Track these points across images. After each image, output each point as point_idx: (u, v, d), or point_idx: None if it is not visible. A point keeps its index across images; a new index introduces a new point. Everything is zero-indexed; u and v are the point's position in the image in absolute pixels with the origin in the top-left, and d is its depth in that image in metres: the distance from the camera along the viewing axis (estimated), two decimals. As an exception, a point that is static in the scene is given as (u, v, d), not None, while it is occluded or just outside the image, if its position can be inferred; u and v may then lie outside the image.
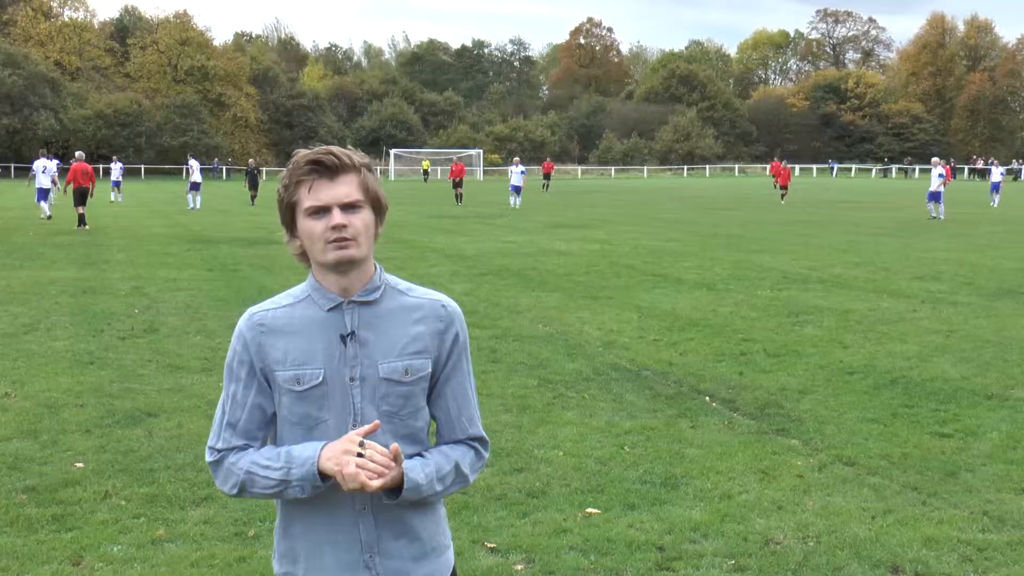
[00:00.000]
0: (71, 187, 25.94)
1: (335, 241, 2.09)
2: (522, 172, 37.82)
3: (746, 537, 5.02)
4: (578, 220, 30.10)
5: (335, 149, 2.12)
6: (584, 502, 5.53)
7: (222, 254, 19.18)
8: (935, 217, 30.22)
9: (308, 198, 2.10)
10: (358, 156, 2.15)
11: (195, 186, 35.99)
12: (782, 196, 43.17)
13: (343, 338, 2.15)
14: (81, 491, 5.63)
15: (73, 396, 7.77)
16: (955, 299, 13.31)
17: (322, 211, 2.09)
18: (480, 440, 2.31)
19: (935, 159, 32.61)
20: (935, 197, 30.81)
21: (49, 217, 28.09)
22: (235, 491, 2.18)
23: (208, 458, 2.22)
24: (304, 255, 2.18)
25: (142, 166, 79.08)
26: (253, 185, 39.81)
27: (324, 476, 2.08)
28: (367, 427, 2.09)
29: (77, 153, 28.38)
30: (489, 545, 4.89)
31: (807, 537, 5.03)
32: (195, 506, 5.42)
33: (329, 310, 2.16)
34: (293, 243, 2.18)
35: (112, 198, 40.71)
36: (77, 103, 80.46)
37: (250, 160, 42.59)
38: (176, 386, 8.16)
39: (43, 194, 28.85)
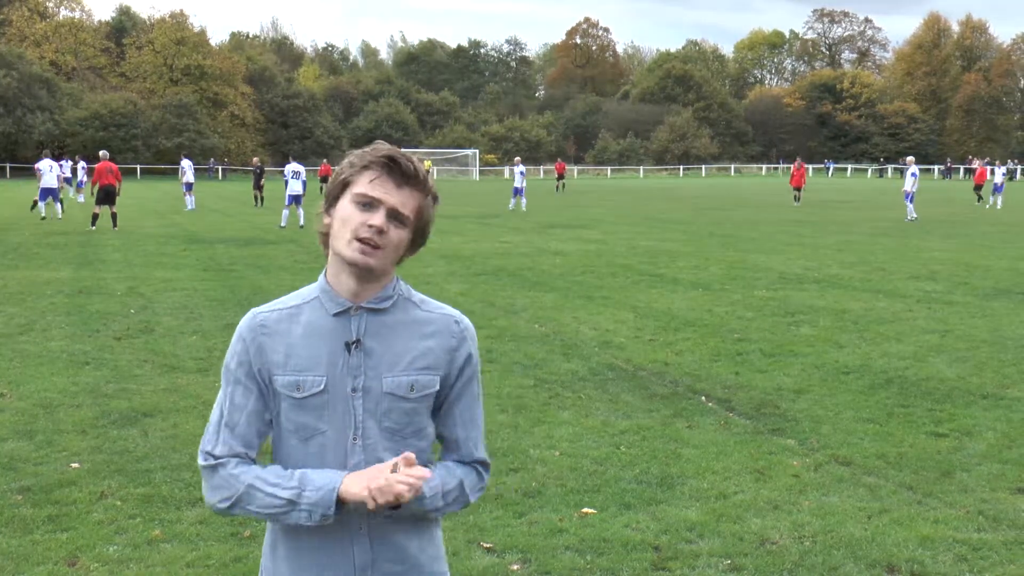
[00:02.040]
0: (97, 187, 25.63)
1: (363, 240, 1.98)
2: (521, 173, 36.52)
3: (742, 537, 5.03)
4: (574, 220, 30.11)
5: (416, 160, 2.04)
6: (580, 502, 5.53)
7: (218, 254, 19.16)
8: (914, 219, 29.74)
9: (366, 186, 1.99)
10: (432, 181, 2.07)
11: (188, 186, 35.94)
12: (795, 198, 41.55)
13: (347, 345, 2.05)
14: (76, 491, 5.62)
15: (69, 396, 7.76)
16: (950, 299, 13.33)
17: (371, 205, 1.99)
18: (483, 464, 2.22)
19: (910, 158, 32.35)
20: (910, 197, 30.45)
21: (45, 217, 28.11)
22: (225, 504, 2.04)
23: (202, 462, 2.07)
24: (326, 240, 2.06)
25: (138, 166, 78.95)
26: (258, 185, 38.76)
27: (338, 506, 1.98)
28: (401, 458, 1.96)
29: (101, 152, 28.36)
30: (485, 545, 4.89)
31: (803, 537, 5.04)
32: (191, 506, 5.41)
33: (336, 315, 2.05)
34: (324, 219, 2.06)
35: (81, 199, 41.07)
36: (72, 103, 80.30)
37: (255, 159, 42.15)
38: (172, 386, 8.15)
39: (45, 194, 28.79)
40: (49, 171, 28.95)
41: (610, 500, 5.56)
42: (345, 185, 2.03)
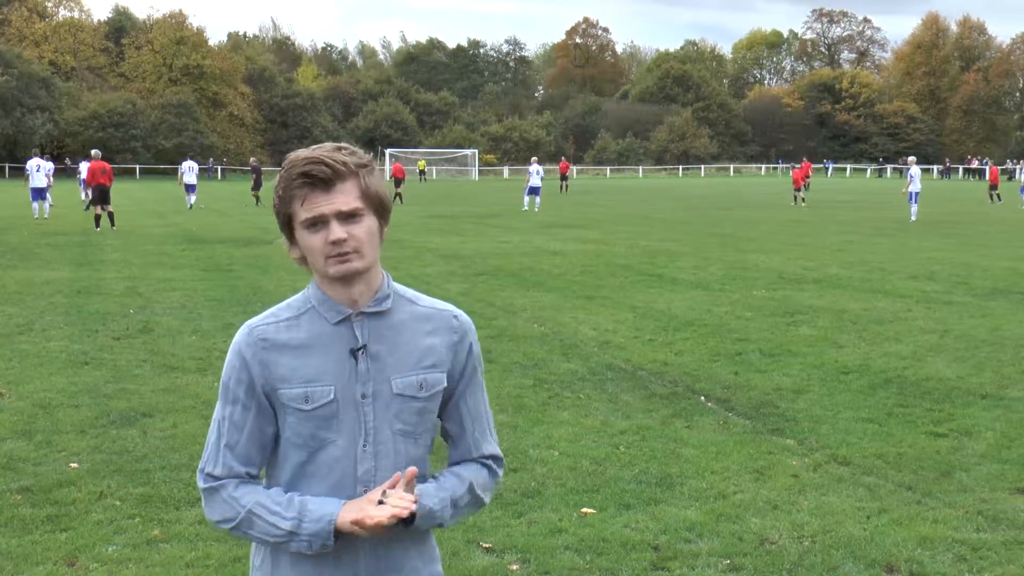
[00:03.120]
0: (91, 188, 25.37)
1: (336, 256, 1.95)
2: (538, 172, 35.91)
3: (741, 537, 5.03)
4: (573, 220, 30.11)
5: (326, 156, 1.95)
6: (579, 502, 5.53)
7: (217, 254, 19.16)
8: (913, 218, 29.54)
9: (303, 210, 1.95)
10: (354, 158, 1.98)
11: (189, 187, 36.13)
12: (795, 198, 40.79)
13: (353, 352, 2.01)
14: (76, 491, 5.62)
15: (68, 396, 7.76)
16: (950, 299, 13.34)
17: (319, 223, 1.94)
18: (494, 458, 2.19)
19: (911, 158, 32.24)
20: (914, 197, 30.31)
21: (45, 218, 28.10)
22: (229, 526, 2.02)
23: (201, 484, 2.06)
24: (305, 263, 2.04)
25: (137, 166, 78.96)
26: (257, 185, 38.82)
27: (337, 535, 1.97)
28: (396, 481, 1.96)
29: (93, 152, 28.10)
30: (484, 545, 4.88)
31: (802, 537, 5.04)
32: (190, 506, 5.41)
33: (337, 323, 2.02)
34: (294, 250, 2.03)
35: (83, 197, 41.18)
36: (71, 103, 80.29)
37: (252, 160, 42.26)
38: (171, 386, 8.14)
39: (37, 194, 28.80)
40: (37, 171, 28.93)
41: (609, 500, 5.56)
42: (288, 219, 1.99)
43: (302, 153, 1.98)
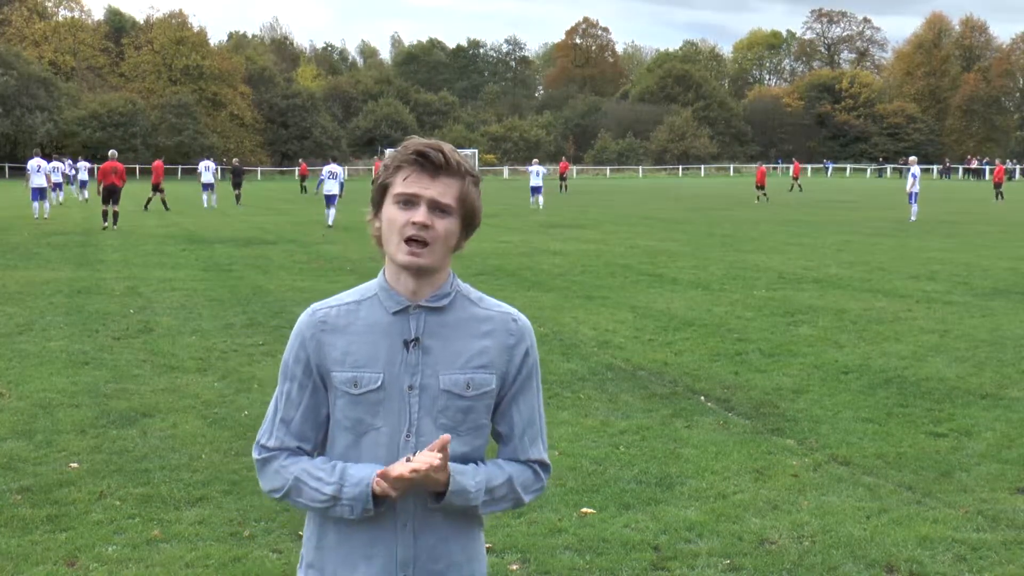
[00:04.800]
0: (101, 185, 26.44)
1: (410, 241, 2.00)
2: (539, 172, 37.28)
3: (741, 537, 5.03)
4: (573, 220, 30.11)
5: (446, 147, 2.04)
6: (579, 502, 5.53)
7: (217, 254, 19.16)
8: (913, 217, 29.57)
9: (402, 184, 2.02)
10: (467, 163, 2.07)
11: (207, 187, 37.14)
12: (759, 197, 42.68)
13: (406, 343, 2.06)
14: (76, 491, 5.62)
15: (68, 396, 7.76)
16: (950, 299, 13.34)
17: (411, 202, 2.01)
18: (541, 464, 2.19)
19: (912, 158, 32.43)
20: (914, 197, 30.37)
21: (44, 217, 28.12)
22: (279, 495, 2.10)
23: (256, 455, 2.14)
24: (380, 242, 2.09)
25: (137, 166, 78.95)
26: (237, 184, 40.04)
27: (376, 501, 2.01)
28: (437, 442, 1.98)
29: (110, 152, 29.11)
30: (484, 545, 4.88)
31: (802, 537, 5.04)
32: (190, 506, 5.41)
33: (395, 313, 2.07)
34: (374, 223, 2.09)
35: (81, 198, 41.42)
36: (71, 103, 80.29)
37: (234, 160, 43.07)
38: (171, 386, 8.15)
39: (36, 194, 28.85)
40: (37, 171, 29.07)
41: (609, 500, 5.56)
42: (384, 189, 2.05)
43: (424, 139, 2.06)
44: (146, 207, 33.48)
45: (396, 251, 2.02)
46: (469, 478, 2.04)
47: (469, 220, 2.09)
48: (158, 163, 36.84)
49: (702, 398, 7.92)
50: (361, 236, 20.49)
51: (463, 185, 2.05)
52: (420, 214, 2.00)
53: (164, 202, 33.92)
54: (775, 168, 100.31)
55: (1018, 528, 5.16)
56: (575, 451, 6.45)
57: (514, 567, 4.67)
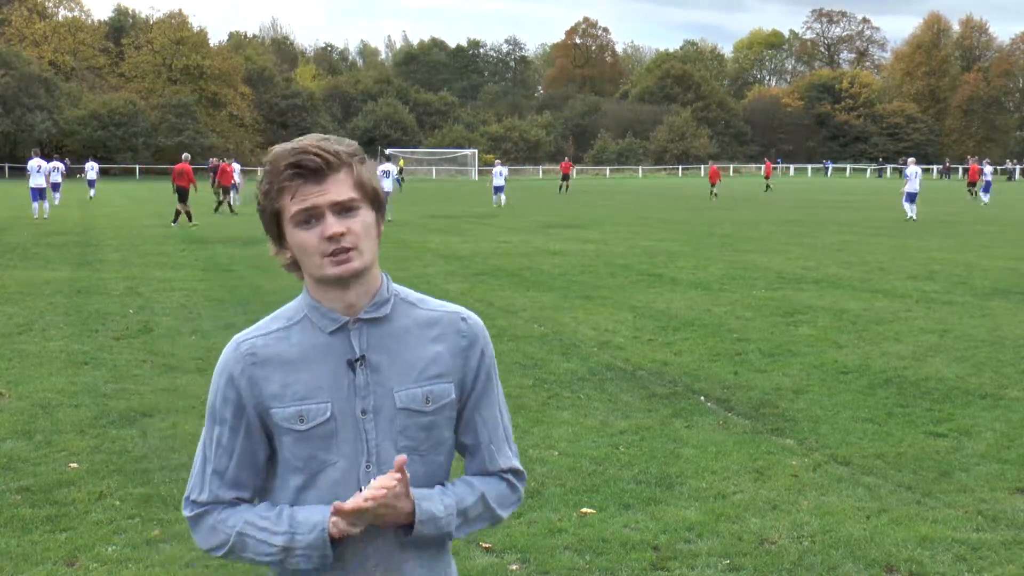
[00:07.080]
0: (176, 186, 27.63)
1: (333, 254, 1.78)
2: (500, 173, 39.69)
3: (741, 537, 5.03)
4: (573, 220, 30.11)
5: (316, 145, 1.79)
6: (579, 502, 5.53)
7: (217, 254, 19.16)
8: (911, 218, 29.75)
9: (293, 203, 1.78)
10: (344, 147, 1.82)
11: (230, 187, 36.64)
12: (712, 194, 46.08)
13: (351, 364, 1.84)
14: (75, 491, 5.62)
15: (67, 396, 7.76)
16: (949, 299, 13.33)
17: (313, 217, 1.78)
18: (514, 472, 2.00)
19: (910, 159, 32.81)
20: (911, 198, 30.53)
21: (45, 218, 28.14)
22: (220, 553, 1.86)
23: (187, 512, 1.90)
24: (296, 264, 1.86)
25: (137, 166, 78.97)
26: (214, 183, 39.07)
27: (334, 544, 1.80)
28: (388, 475, 1.77)
29: (183, 155, 29.72)
30: (484, 545, 4.88)
31: (802, 537, 5.04)
32: (190, 506, 5.40)
33: (332, 332, 1.84)
34: (282, 254, 1.86)
35: (89, 196, 41.63)
36: (71, 103, 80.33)
37: (211, 159, 42.38)
38: (171, 386, 8.15)
39: (36, 194, 28.87)
40: (37, 171, 29.11)
41: (609, 500, 5.56)
42: (277, 216, 1.82)
43: (287, 145, 1.82)
44: (216, 209, 33.56)
45: (319, 269, 1.80)
46: (436, 503, 1.85)
47: (376, 202, 1.85)
48: (225, 165, 35.28)
49: (702, 398, 7.92)
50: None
51: (352, 171, 1.81)
52: (330, 225, 1.77)
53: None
54: (774, 168, 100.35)
55: (1018, 528, 5.16)
56: (575, 451, 6.46)
57: (514, 567, 4.67)
